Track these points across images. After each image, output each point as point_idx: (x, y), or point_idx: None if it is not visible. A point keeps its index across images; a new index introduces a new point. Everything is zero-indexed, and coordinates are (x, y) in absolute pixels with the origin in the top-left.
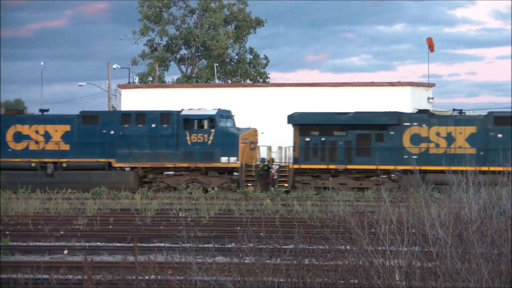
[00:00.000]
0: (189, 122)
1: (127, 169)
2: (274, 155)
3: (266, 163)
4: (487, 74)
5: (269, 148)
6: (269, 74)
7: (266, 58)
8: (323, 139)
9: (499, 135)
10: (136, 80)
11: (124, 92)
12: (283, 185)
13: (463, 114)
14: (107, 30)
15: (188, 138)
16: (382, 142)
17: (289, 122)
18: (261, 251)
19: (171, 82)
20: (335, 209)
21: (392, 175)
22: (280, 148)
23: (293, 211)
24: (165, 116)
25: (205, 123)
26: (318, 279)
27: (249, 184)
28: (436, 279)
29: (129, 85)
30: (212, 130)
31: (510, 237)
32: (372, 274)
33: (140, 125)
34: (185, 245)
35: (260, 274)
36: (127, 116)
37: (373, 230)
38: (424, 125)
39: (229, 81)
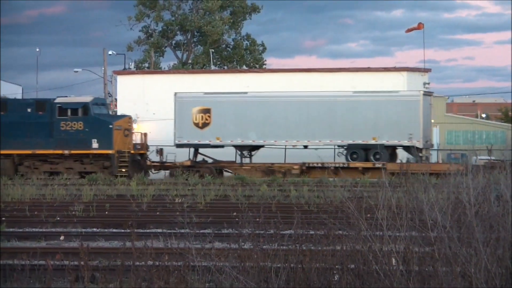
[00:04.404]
0: None
1: None
2: None
3: None
4: (485, 59)
5: None
6: (265, 60)
7: (263, 44)
8: None
9: None
10: (132, 66)
11: (120, 78)
12: None
13: None
14: (105, 17)
15: None
16: None
17: None
18: (259, 236)
19: (168, 68)
20: (331, 194)
21: None
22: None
23: (290, 197)
24: None
25: None
26: (315, 264)
27: None
28: (434, 263)
29: (125, 71)
30: None
31: (508, 221)
32: (370, 259)
33: None
34: (183, 230)
35: (258, 259)
36: None
37: (369, 215)
38: None
39: (225, 67)
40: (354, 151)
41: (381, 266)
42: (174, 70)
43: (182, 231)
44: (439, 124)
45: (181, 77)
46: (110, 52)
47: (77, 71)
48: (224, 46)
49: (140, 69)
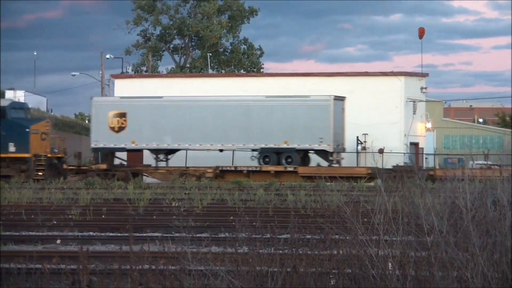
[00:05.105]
0: None
1: None
2: None
3: None
4: (483, 64)
5: None
6: (263, 64)
7: (260, 49)
8: None
9: None
10: (130, 70)
11: (117, 82)
12: None
13: None
14: (103, 21)
15: None
16: None
17: None
18: (255, 240)
19: (166, 72)
20: (328, 199)
21: None
22: None
23: (287, 201)
24: None
25: None
26: (312, 269)
27: None
28: (431, 268)
29: (122, 75)
30: None
31: (504, 226)
32: (366, 264)
33: None
34: (180, 234)
35: (254, 264)
36: None
37: (365, 219)
38: None
39: (223, 71)
40: (266, 155)
41: (378, 271)
42: (171, 74)
43: (179, 235)
44: (436, 128)
45: (178, 81)
46: (108, 56)
47: (74, 75)
48: (221, 50)
49: (138, 73)
